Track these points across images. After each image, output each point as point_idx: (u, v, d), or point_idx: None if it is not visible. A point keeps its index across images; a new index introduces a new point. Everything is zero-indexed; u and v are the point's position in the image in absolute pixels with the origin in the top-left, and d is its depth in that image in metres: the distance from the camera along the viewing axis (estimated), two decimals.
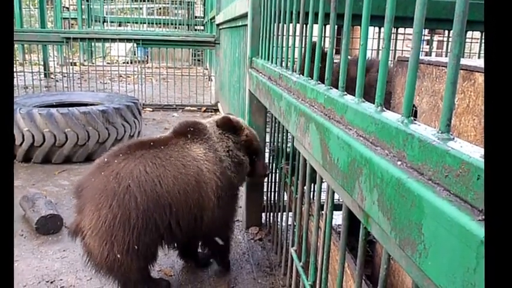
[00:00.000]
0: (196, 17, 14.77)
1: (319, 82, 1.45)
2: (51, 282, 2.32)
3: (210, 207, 2.12)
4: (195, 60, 12.93)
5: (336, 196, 1.33)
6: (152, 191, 1.92)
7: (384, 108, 0.95)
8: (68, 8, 14.44)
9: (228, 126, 2.33)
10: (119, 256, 1.90)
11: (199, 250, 2.57)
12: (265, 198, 2.97)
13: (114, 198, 1.86)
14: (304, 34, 2.08)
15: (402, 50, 3.96)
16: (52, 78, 9.32)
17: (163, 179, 1.96)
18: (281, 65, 2.05)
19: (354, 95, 1.09)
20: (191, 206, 2.04)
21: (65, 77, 7.41)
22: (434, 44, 5.35)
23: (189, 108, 7.37)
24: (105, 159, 2.01)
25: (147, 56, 12.61)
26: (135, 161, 1.95)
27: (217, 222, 2.21)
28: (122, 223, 1.86)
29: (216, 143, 2.25)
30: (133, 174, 1.90)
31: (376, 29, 2.98)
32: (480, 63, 1.34)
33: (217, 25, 6.92)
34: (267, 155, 2.83)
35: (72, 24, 13.75)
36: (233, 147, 2.31)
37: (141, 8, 15.38)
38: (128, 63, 10.14)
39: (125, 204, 1.86)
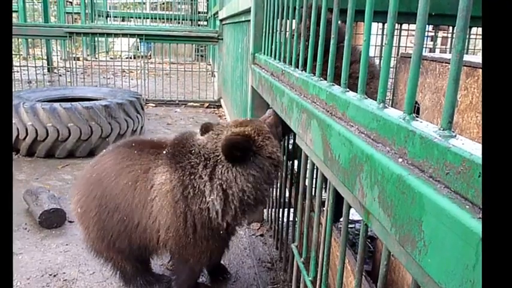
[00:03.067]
0: (199, 12, 14.73)
1: (321, 78, 1.45)
2: (54, 276, 2.33)
3: (161, 240, 1.85)
4: (198, 55, 12.91)
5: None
6: (106, 189, 1.87)
7: (386, 105, 0.95)
8: (71, 3, 14.44)
9: (237, 151, 1.69)
10: (95, 243, 1.99)
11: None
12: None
13: (84, 187, 1.96)
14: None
15: (406, 46, 3.94)
16: (55, 72, 9.34)
17: (116, 182, 1.85)
18: (284, 61, 2.05)
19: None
20: (137, 223, 1.86)
21: (68, 71, 7.42)
22: (439, 40, 5.32)
23: (191, 103, 7.37)
24: (104, 151, 2.09)
25: (151, 51, 12.60)
26: (110, 156, 1.97)
27: (176, 258, 1.96)
28: (88, 212, 1.93)
29: (195, 177, 1.72)
30: (101, 168, 1.94)
31: (380, 24, 2.97)
32: None
33: (221, 20, 6.90)
34: None
35: (76, 18, 13.75)
36: (250, 188, 1.70)
37: (144, 3, 15.37)
38: (131, 58, 10.15)
39: (89, 194, 1.93)
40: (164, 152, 1.85)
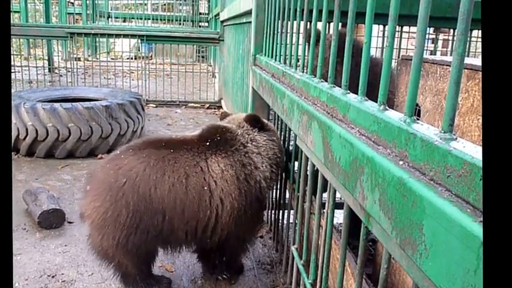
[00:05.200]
0: (200, 13, 14.74)
1: (322, 80, 1.45)
2: (53, 277, 2.33)
3: (220, 224, 1.97)
4: (199, 56, 12.91)
5: (338, 195, 1.33)
6: (145, 193, 1.86)
7: (387, 107, 0.95)
8: (72, 3, 14.46)
9: (259, 123, 2.16)
10: (111, 248, 1.95)
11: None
12: (267, 196, 2.97)
13: (108, 193, 1.88)
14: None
15: (407, 49, 3.94)
16: (56, 73, 9.34)
17: (160, 184, 1.87)
18: (284, 63, 2.05)
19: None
20: (188, 220, 1.92)
21: (69, 72, 7.42)
22: (440, 42, 5.32)
23: (192, 104, 7.37)
24: (118, 152, 2.03)
25: (152, 52, 12.60)
26: (139, 159, 1.91)
27: (234, 239, 2.08)
28: (113, 218, 1.87)
29: (249, 156, 2.04)
30: (131, 172, 1.88)
31: (381, 26, 2.97)
32: None
33: (222, 22, 6.90)
34: None
35: (77, 19, 13.76)
36: (278, 150, 2.15)
37: (145, 4, 15.39)
38: (132, 59, 10.15)
39: (117, 200, 1.86)
40: (208, 144, 2.01)
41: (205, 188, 1.91)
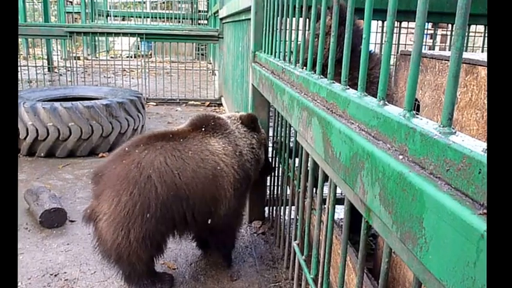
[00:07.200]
0: (199, 11, 14.71)
1: (321, 76, 1.45)
2: (55, 275, 2.34)
3: (226, 198, 2.16)
4: (198, 54, 12.90)
5: (338, 190, 1.33)
6: (172, 183, 1.95)
7: (386, 102, 0.95)
8: (71, 2, 14.44)
9: (253, 123, 2.45)
10: (133, 243, 1.94)
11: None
12: (268, 192, 2.98)
13: (135, 186, 1.90)
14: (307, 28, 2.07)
15: (406, 44, 3.94)
16: (56, 72, 9.34)
17: (183, 172, 1.99)
18: (284, 59, 2.05)
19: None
20: (207, 199, 2.08)
21: (68, 71, 7.42)
22: (438, 37, 5.32)
23: (192, 102, 7.37)
24: (126, 149, 2.05)
25: (151, 50, 12.59)
26: (155, 152, 1.99)
27: (232, 212, 2.25)
28: (141, 211, 1.90)
29: (238, 138, 2.33)
30: (154, 165, 1.94)
31: (379, 22, 2.96)
32: (483, 57, 1.33)
33: (221, 19, 6.89)
34: (270, 149, 2.83)
35: (76, 18, 13.74)
36: (256, 145, 2.43)
37: (144, 2, 15.35)
38: (131, 57, 10.15)
39: (146, 193, 1.90)
40: (203, 130, 2.24)
41: (218, 168, 2.11)
